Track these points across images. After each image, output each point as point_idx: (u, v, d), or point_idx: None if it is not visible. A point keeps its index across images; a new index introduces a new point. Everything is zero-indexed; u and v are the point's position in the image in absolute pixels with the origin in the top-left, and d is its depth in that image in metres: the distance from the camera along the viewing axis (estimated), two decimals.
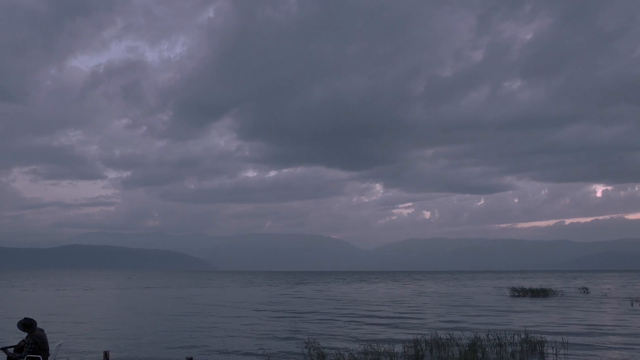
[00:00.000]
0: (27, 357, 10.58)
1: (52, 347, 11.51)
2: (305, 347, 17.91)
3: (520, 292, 56.43)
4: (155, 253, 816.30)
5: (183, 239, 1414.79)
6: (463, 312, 36.02)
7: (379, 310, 38.18)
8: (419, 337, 19.64)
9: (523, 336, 19.97)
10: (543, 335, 20.69)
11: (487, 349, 17.88)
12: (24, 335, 13.97)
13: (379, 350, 16.95)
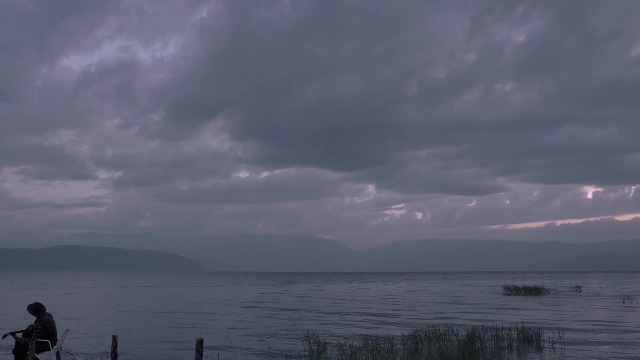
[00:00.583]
0: (36, 342, 10.68)
1: (60, 333, 11.62)
2: (305, 339, 18.07)
3: (513, 291, 56.89)
4: (147, 254, 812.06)
5: (175, 239, 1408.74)
6: (457, 309, 36.30)
7: (374, 307, 38.40)
8: (416, 329, 19.87)
9: (519, 329, 20.30)
10: (539, 328, 20.99)
11: (485, 340, 18.13)
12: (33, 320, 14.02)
13: (379, 342, 17.15)
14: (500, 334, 19.40)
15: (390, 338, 18.02)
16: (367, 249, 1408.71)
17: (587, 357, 16.55)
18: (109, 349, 16.65)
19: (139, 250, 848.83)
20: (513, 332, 19.93)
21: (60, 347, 11.49)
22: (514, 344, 18.62)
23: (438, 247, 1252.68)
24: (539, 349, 18.13)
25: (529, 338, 19.43)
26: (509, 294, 55.13)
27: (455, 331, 19.72)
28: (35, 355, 10.49)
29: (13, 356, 11.21)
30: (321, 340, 17.90)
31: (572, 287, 66.49)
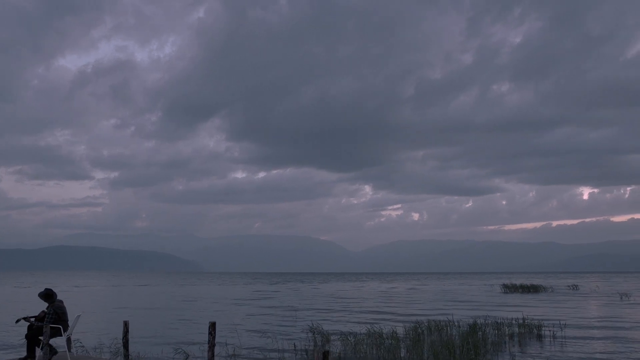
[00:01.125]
0: (50, 327, 10.81)
1: (71, 319, 11.76)
2: (310, 330, 18.24)
3: (511, 289, 57.16)
4: (143, 254, 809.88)
5: (172, 240, 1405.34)
6: (456, 306, 36.52)
7: (372, 304, 38.61)
8: (418, 322, 20.06)
9: (520, 322, 20.53)
10: (539, 321, 21.22)
11: (486, 332, 18.35)
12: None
13: (381, 333, 17.33)
14: (501, 326, 19.63)
15: (393, 329, 18.21)
16: (364, 250, 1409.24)
17: (587, 348, 16.78)
18: (112, 341, 16.80)
19: (135, 250, 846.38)
20: (514, 325, 20.16)
21: (71, 333, 11.63)
22: (515, 335, 18.84)
23: (434, 247, 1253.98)
24: (540, 340, 18.36)
25: (530, 330, 19.67)
26: (507, 292, 55.41)
27: (456, 323, 19.94)
28: (48, 339, 10.62)
29: (26, 341, 11.35)
30: (325, 332, 18.08)
31: (569, 286, 66.87)
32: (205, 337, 19.66)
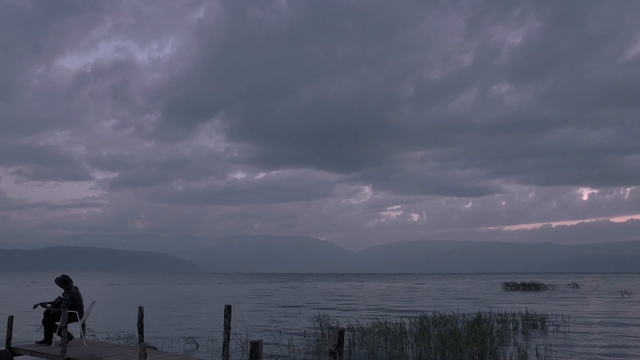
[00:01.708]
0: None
1: (86, 306, 11.96)
2: (317, 321, 18.43)
3: (512, 287, 57.37)
4: (142, 255, 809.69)
5: (171, 240, 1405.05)
6: (459, 302, 36.71)
7: (374, 301, 38.80)
8: (423, 314, 20.25)
9: (524, 314, 20.75)
10: (543, 314, 21.44)
11: (491, 323, 18.55)
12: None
13: (387, 325, 17.52)
14: (506, 318, 19.85)
15: (398, 321, 18.40)
16: (363, 250, 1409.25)
17: (590, 339, 16.99)
18: (118, 333, 16.99)
19: (134, 251, 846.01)
20: (518, 318, 20.39)
21: (86, 320, 11.82)
22: (520, 327, 19.06)
23: (434, 248, 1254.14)
24: (544, 331, 18.58)
25: (534, 323, 19.90)
26: (509, 290, 55.60)
27: (460, 317, 20.14)
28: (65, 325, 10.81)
29: (42, 326, 11.55)
30: (332, 323, 18.26)
31: (569, 284, 67.11)
32: (210, 331, 19.87)
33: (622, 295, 43.52)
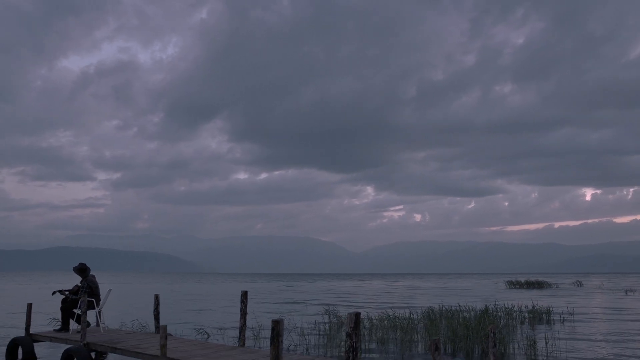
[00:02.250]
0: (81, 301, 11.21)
1: (103, 294, 12.18)
2: (325, 313, 18.62)
3: (516, 285, 57.44)
4: (144, 255, 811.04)
5: (173, 241, 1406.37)
6: (463, 299, 36.86)
7: (379, 298, 38.97)
8: (430, 308, 20.42)
9: (529, 308, 20.91)
10: (549, 307, 21.59)
11: (498, 315, 18.73)
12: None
13: (395, 318, 17.71)
14: (512, 311, 20.01)
15: (406, 314, 18.57)
16: (365, 251, 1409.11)
17: (597, 332, 17.16)
18: (131, 323, 17.20)
19: (136, 251, 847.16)
20: (524, 311, 20.55)
21: (102, 307, 12.04)
22: (526, 320, 19.23)
23: (436, 248, 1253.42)
24: (550, 324, 18.75)
25: (540, 316, 20.07)
26: (512, 288, 55.67)
27: (467, 309, 20.32)
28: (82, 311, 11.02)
29: (60, 313, 11.78)
30: (341, 316, 18.45)
31: (573, 283, 67.18)
32: (219, 323, 20.07)
33: (627, 293, 43.62)
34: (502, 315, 19.43)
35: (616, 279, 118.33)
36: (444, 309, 20.38)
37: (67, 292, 11.89)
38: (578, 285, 61.00)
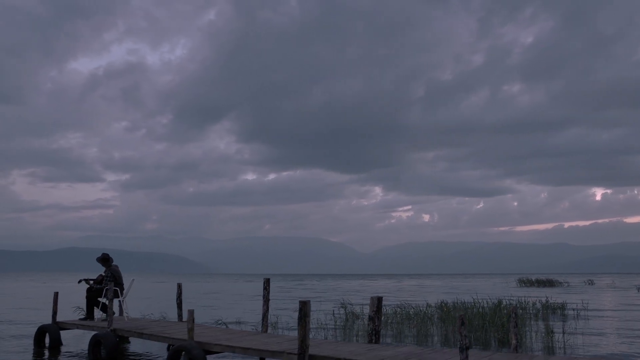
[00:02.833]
0: (107, 288, 11.49)
1: (126, 284, 12.46)
2: (341, 306, 18.81)
3: (526, 283, 57.24)
4: (153, 256, 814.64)
5: (181, 242, 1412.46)
6: (475, 297, 36.88)
7: (390, 296, 39.06)
8: (444, 301, 20.53)
9: (543, 302, 20.96)
10: (563, 302, 21.63)
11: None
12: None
13: (409, 311, 17.86)
14: (526, 305, 20.10)
15: (420, 308, 18.70)
16: (373, 251, 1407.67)
17: (612, 326, 17.21)
18: (149, 313, 17.49)
19: (145, 252, 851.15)
20: (538, 305, 20.61)
21: (126, 297, 12.32)
22: (540, 313, 19.31)
23: (444, 249, 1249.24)
24: (564, 317, 18.83)
25: (554, 309, 20.13)
26: (523, 286, 55.51)
27: (481, 303, 20.41)
28: (107, 300, 11.29)
29: (85, 301, 12.07)
30: (355, 311, 18.61)
31: (584, 281, 66.83)
32: (236, 316, 20.30)
33: (638, 291, 43.42)
34: (517, 307, 19.53)
35: (628, 279, 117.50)
36: (457, 303, 20.49)
37: (91, 282, 12.18)
38: (589, 284, 60.71)
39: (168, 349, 10.91)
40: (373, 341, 8.96)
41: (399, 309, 17.76)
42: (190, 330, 8.62)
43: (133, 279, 12.53)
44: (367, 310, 20.17)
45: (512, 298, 30.34)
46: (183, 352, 8.63)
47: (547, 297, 22.03)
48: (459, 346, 6.53)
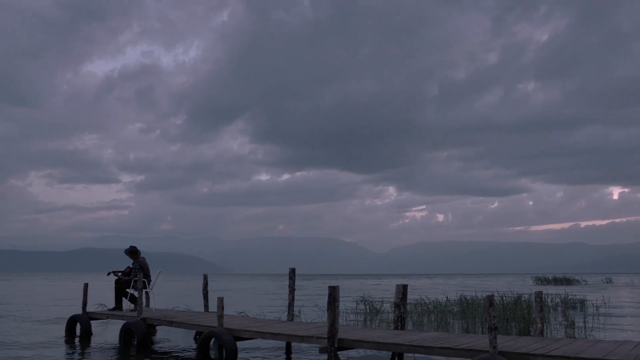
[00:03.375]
0: (134, 280, 11.82)
1: (153, 275, 12.78)
2: (361, 301, 18.98)
3: (543, 281, 56.80)
4: (168, 256, 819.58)
5: (195, 242, 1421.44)
6: (494, 291, 36.77)
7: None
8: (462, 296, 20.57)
9: (562, 297, 20.90)
10: (582, 297, 21.55)
11: (532, 303, 18.80)
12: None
13: (428, 304, 17.97)
14: (545, 300, 20.05)
15: (438, 301, 18.76)
16: (387, 251, 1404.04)
17: (633, 321, 17.16)
18: (173, 308, 17.80)
19: (160, 252, 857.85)
20: (557, 299, 20.56)
21: (153, 288, 12.64)
22: (560, 307, 19.28)
23: (458, 249, 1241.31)
24: (584, 312, 18.77)
25: (573, 305, 20.07)
26: (540, 285, 55.11)
27: (501, 297, 20.40)
28: (134, 291, 11.62)
29: (114, 293, 12.42)
30: (376, 305, 18.75)
31: (602, 279, 66.16)
32: (258, 308, 20.53)
33: None
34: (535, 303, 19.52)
35: None
36: (476, 298, 20.51)
37: (119, 274, 12.51)
38: (608, 282, 60.11)
39: (195, 338, 11.20)
40: (399, 328, 9.13)
41: (418, 304, 17.87)
42: (220, 317, 8.87)
43: (159, 271, 12.84)
44: (386, 306, 20.33)
45: (531, 293, 30.31)
46: (213, 339, 8.87)
47: (566, 292, 21.99)
48: (487, 326, 6.68)
